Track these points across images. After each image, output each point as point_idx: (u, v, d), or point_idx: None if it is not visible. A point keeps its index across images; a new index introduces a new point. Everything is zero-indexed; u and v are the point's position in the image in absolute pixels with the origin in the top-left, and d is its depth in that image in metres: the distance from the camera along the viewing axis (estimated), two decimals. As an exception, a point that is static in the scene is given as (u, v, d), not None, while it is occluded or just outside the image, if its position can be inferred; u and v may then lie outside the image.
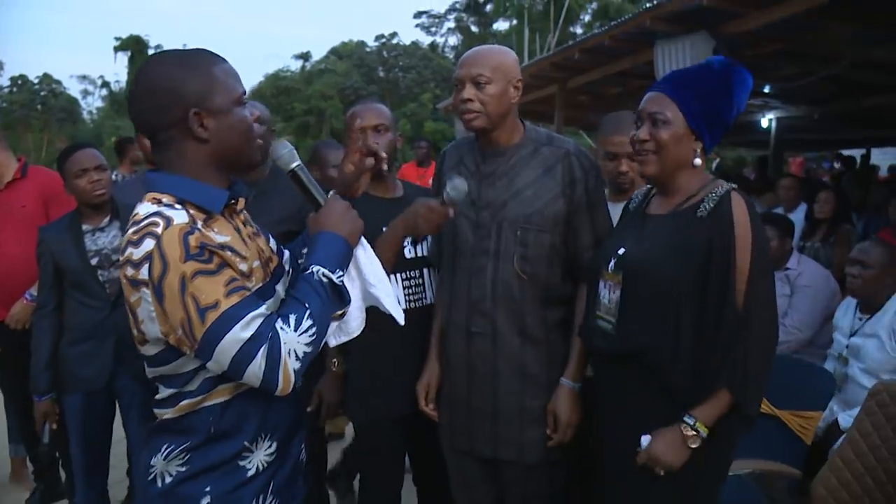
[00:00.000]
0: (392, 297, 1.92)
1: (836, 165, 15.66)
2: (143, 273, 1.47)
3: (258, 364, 1.47)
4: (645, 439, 2.06)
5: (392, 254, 2.29)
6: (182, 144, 1.61)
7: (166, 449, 1.63)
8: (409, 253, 2.67)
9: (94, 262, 3.17)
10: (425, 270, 2.70)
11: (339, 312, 1.70)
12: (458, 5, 51.54)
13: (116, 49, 46.07)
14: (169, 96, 1.56)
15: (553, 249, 2.36)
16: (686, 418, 2.01)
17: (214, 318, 1.46)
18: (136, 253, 1.48)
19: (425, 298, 2.68)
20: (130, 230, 1.52)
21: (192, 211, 1.57)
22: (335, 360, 2.73)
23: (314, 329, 1.55)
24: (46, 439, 3.55)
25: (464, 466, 2.54)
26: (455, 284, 2.44)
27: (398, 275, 2.63)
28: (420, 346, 2.62)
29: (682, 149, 2.11)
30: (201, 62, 1.62)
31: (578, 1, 40.00)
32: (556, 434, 2.35)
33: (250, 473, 1.66)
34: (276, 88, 44.26)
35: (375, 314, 2.60)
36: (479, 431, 2.42)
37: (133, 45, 45.40)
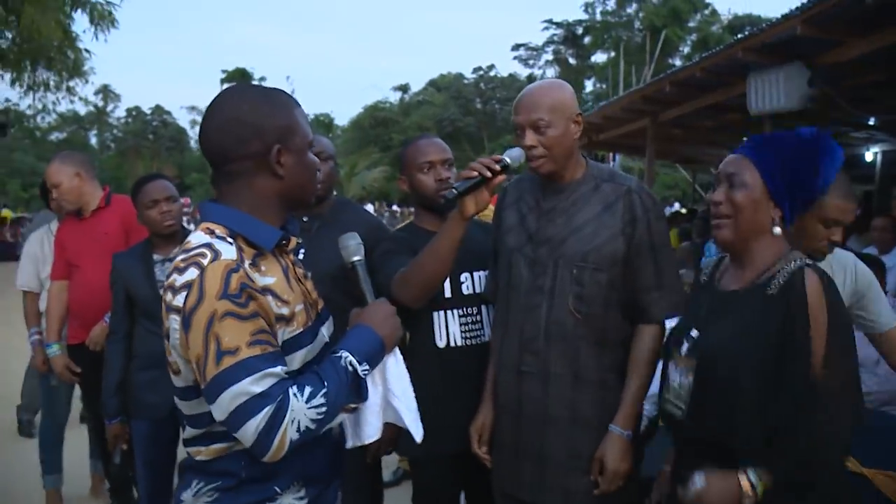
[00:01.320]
0: (413, 413, 1.86)
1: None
2: (179, 300, 1.46)
3: (257, 422, 1.43)
4: (699, 478, 1.89)
5: (453, 237, 2.24)
6: (254, 178, 1.60)
7: (196, 485, 1.61)
8: (466, 289, 2.63)
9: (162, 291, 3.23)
10: (483, 307, 2.66)
11: (352, 406, 1.62)
12: (555, 38, 51.73)
13: (223, 81, 48.29)
14: (253, 129, 1.56)
15: (610, 289, 2.26)
16: (750, 472, 1.85)
17: (230, 364, 1.43)
18: (179, 280, 1.48)
19: (483, 336, 2.61)
20: (179, 257, 1.52)
21: (242, 246, 1.56)
22: None
23: (324, 409, 1.50)
24: (118, 459, 3.65)
25: (511, 511, 2.44)
26: (508, 322, 2.38)
27: (455, 311, 2.59)
28: (475, 383, 2.54)
29: (759, 215, 1.96)
30: (284, 101, 1.63)
31: (677, 33, 39.56)
32: (602, 482, 2.23)
33: None
34: (375, 119, 45.35)
35: (424, 347, 2.59)
36: (526, 476, 2.33)
37: (238, 78, 47.50)
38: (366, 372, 1.62)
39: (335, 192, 3.08)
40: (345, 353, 1.59)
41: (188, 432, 1.64)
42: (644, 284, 2.27)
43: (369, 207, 25.17)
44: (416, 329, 2.60)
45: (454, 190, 2.13)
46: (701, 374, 1.97)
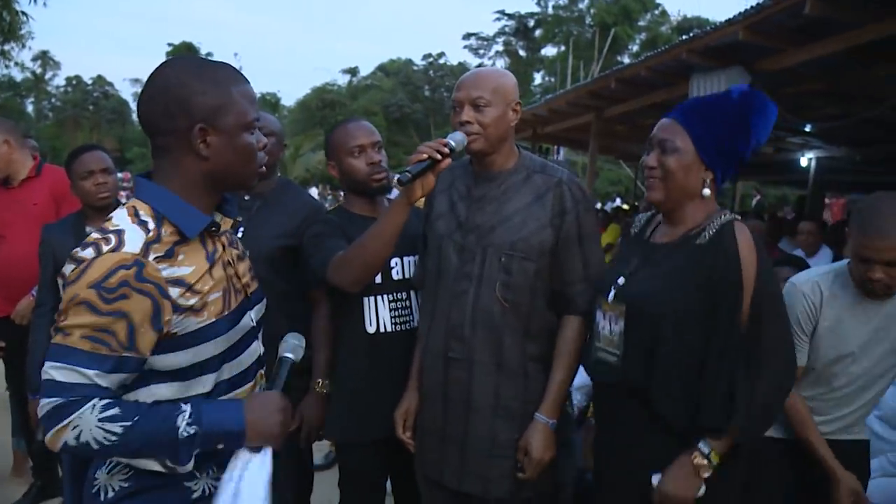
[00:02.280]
0: None
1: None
2: (67, 269, 1.47)
3: (44, 404, 1.42)
4: (655, 478, 1.97)
5: (397, 219, 2.22)
6: (179, 155, 1.55)
7: (110, 462, 1.57)
8: (396, 274, 2.62)
9: None
10: (412, 293, 2.65)
11: (168, 463, 1.48)
12: (507, 29, 51.89)
13: (168, 54, 47.22)
14: (180, 103, 1.51)
15: (537, 279, 2.27)
16: (702, 445, 1.93)
17: (55, 342, 1.44)
18: (78, 252, 1.47)
19: (412, 321, 2.62)
20: (94, 234, 1.49)
21: (165, 229, 1.51)
22: (319, 380, 2.67)
23: (115, 439, 1.42)
24: (41, 436, 3.55)
25: (435, 497, 2.45)
26: (436, 308, 2.37)
27: (385, 296, 2.58)
28: (404, 369, 2.54)
29: (690, 178, 2.03)
30: (221, 78, 1.56)
31: (627, 31, 40.02)
32: (527, 470, 2.26)
33: (196, 495, 1.60)
34: (322, 101, 44.85)
35: (353, 333, 2.58)
36: (449, 461, 2.34)
37: (184, 52, 46.44)
38: (186, 434, 1.47)
39: (278, 173, 3.04)
40: (185, 407, 1.49)
41: None
42: (571, 276, 2.29)
43: (313, 191, 24.88)
44: (346, 315, 2.59)
45: (408, 173, 2.10)
46: (631, 319, 2.03)
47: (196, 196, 1.58)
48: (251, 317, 1.70)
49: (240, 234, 2.70)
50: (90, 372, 1.42)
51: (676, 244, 2.06)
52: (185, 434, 1.48)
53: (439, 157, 2.12)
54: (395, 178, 2.17)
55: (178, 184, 1.56)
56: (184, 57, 1.63)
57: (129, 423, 1.43)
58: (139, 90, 1.87)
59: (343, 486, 2.71)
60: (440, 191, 2.43)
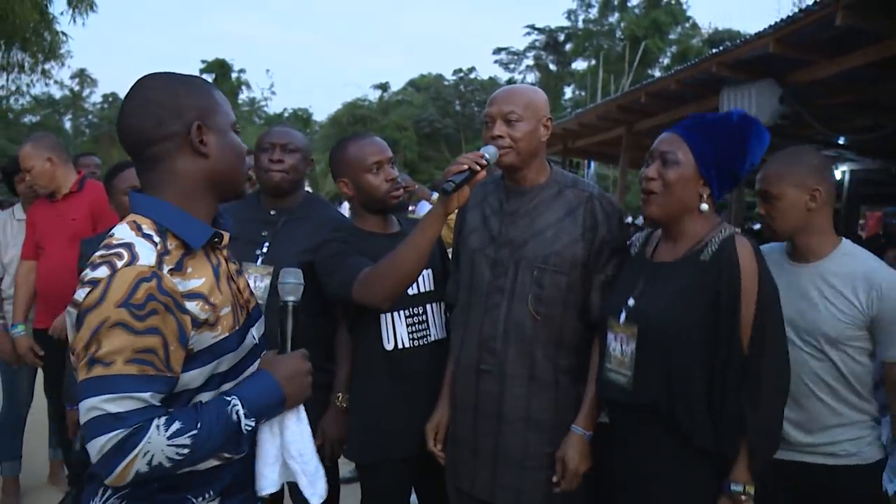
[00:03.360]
0: (310, 476, 1.72)
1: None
2: (80, 295, 1.39)
3: (103, 443, 1.34)
4: None
5: (432, 233, 2.24)
6: (175, 162, 1.53)
7: (103, 494, 1.50)
8: (411, 290, 2.57)
9: None
10: (428, 307, 2.63)
11: (227, 456, 1.53)
12: (537, 43, 51.84)
13: (202, 71, 47.77)
14: (170, 109, 1.50)
15: (569, 292, 2.31)
16: (734, 487, 1.97)
17: (97, 374, 1.36)
18: (89, 275, 1.39)
19: (429, 335, 2.61)
20: (98, 253, 1.43)
21: (170, 243, 1.47)
22: (339, 394, 2.67)
23: (186, 451, 1.41)
24: (79, 446, 3.63)
25: (466, 508, 2.48)
26: (468, 322, 2.41)
27: (401, 312, 2.56)
28: (423, 384, 2.55)
29: (688, 191, 2.07)
30: (200, 83, 1.59)
31: (657, 44, 39.86)
32: (562, 482, 2.27)
33: None
34: (353, 116, 45.10)
35: (371, 351, 2.56)
36: (481, 473, 2.36)
37: (217, 69, 47.13)
38: (249, 427, 1.52)
39: (309, 189, 3.07)
40: (235, 401, 1.50)
41: None
42: (601, 287, 2.32)
43: (345, 206, 24.97)
44: (362, 333, 2.58)
45: (451, 182, 2.13)
46: (642, 340, 2.05)
47: (195, 204, 1.56)
48: (253, 334, 1.67)
49: (265, 249, 2.74)
50: (145, 395, 1.37)
51: (680, 262, 2.09)
52: (248, 428, 1.51)
53: (478, 168, 2.15)
54: (440, 188, 2.19)
55: (176, 193, 1.53)
56: (157, 72, 1.61)
57: (195, 433, 1.41)
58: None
59: (366, 502, 2.70)
60: (472, 206, 2.47)
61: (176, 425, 1.39)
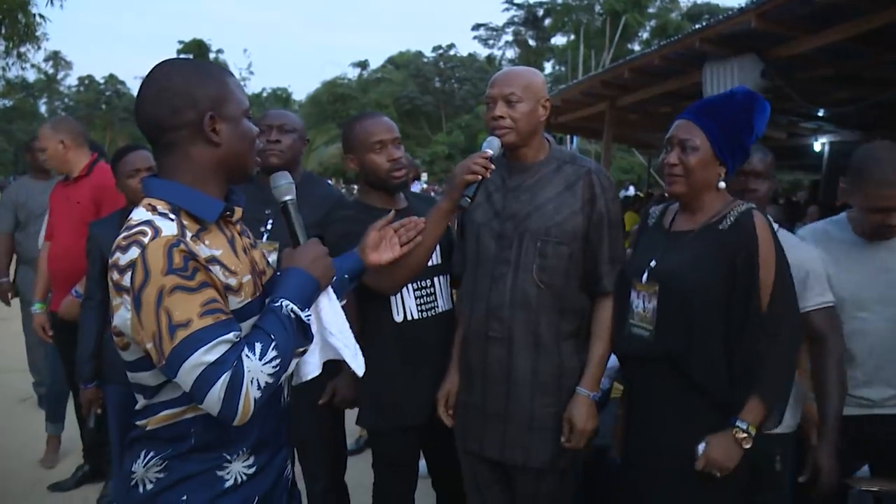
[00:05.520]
0: (352, 349, 1.90)
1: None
2: (126, 280, 1.45)
3: (218, 390, 1.43)
4: (701, 446, 2.16)
5: (442, 227, 2.36)
6: (190, 148, 1.60)
7: (146, 455, 1.60)
8: None
9: None
10: (436, 279, 2.71)
11: (301, 349, 1.67)
12: (516, 19, 51.78)
13: (179, 52, 47.37)
14: (185, 98, 1.56)
15: (571, 262, 2.44)
16: (738, 423, 2.13)
17: (183, 337, 1.43)
18: (123, 259, 1.46)
19: (437, 307, 2.70)
20: (121, 235, 1.50)
21: (185, 220, 1.54)
22: None
23: (278, 360, 1.52)
24: (92, 423, 3.73)
25: (476, 469, 2.60)
26: (476, 292, 2.53)
27: (410, 284, 2.63)
28: (433, 354, 2.64)
29: (708, 173, 2.24)
30: (215, 71, 1.65)
31: (637, 18, 39.85)
32: (570, 441, 2.41)
33: (228, 484, 1.64)
34: (333, 95, 44.89)
35: (381, 322, 2.65)
36: (490, 435, 2.49)
37: (195, 49, 46.70)
38: (308, 316, 1.65)
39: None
40: (284, 301, 1.61)
41: (140, 403, 1.63)
42: (602, 257, 2.46)
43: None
44: (372, 306, 2.64)
45: (468, 198, 2.25)
46: (664, 297, 2.21)
47: (208, 185, 1.62)
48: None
49: (269, 226, 2.84)
50: (231, 335, 1.47)
51: (700, 231, 2.25)
52: (308, 317, 1.65)
53: (488, 173, 2.27)
54: (459, 204, 2.27)
55: (189, 177, 1.60)
56: (174, 59, 1.69)
57: (274, 343, 1.52)
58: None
59: (377, 467, 2.81)
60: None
61: (258, 346, 1.50)
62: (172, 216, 1.53)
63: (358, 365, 1.90)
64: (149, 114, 1.58)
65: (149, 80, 1.60)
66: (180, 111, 1.57)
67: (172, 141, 1.59)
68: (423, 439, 2.75)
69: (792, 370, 2.21)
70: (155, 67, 1.63)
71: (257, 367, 1.48)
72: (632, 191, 24.36)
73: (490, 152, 2.31)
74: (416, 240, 2.22)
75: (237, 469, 1.65)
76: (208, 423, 1.58)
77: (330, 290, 1.84)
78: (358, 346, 1.90)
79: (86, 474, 4.31)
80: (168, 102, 1.56)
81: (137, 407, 1.64)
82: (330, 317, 1.84)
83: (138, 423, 1.63)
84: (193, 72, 1.61)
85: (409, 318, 2.64)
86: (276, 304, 1.60)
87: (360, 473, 3.41)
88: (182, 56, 41.13)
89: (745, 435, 2.11)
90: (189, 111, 1.57)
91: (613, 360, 2.53)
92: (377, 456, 2.80)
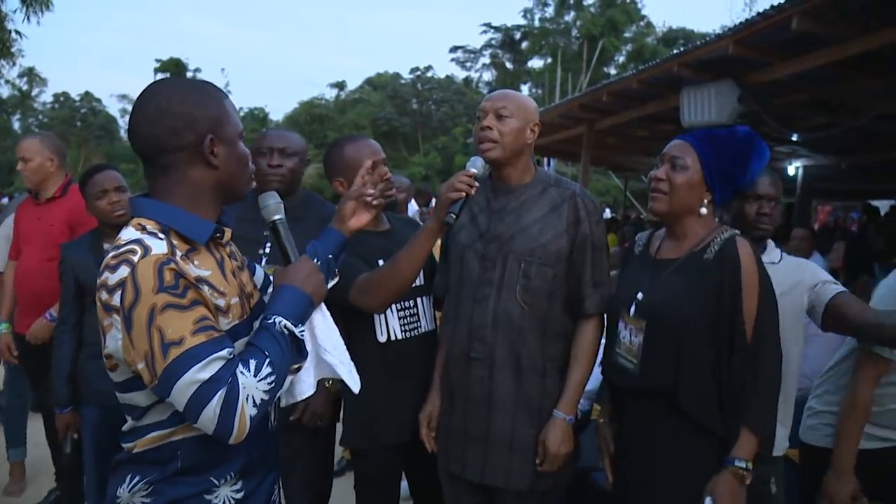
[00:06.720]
0: (347, 366, 1.89)
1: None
2: (116, 300, 1.44)
3: (213, 408, 1.42)
4: (707, 500, 2.12)
5: (430, 245, 2.38)
6: (186, 169, 1.59)
7: (132, 480, 1.59)
8: None
9: None
10: (419, 300, 2.73)
11: (296, 366, 1.66)
12: (493, 42, 52.14)
13: (156, 70, 47.11)
14: (185, 119, 1.56)
15: (555, 283, 2.45)
16: (737, 462, 2.11)
17: (176, 355, 1.41)
18: (112, 278, 1.45)
19: (420, 327, 2.72)
20: (110, 254, 1.49)
21: (174, 241, 1.54)
22: (330, 379, 2.68)
23: (273, 377, 1.52)
24: (68, 448, 3.65)
25: (458, 491, 2.59)
26: (459, 313, 2.53)
27: (394, 305, 2.65)
28: (415, 374, 2.66)
29: (692, 195, 2.26)
30: (213, 93, 1.64)
31: (613, 43, 40.29)
32: (545, 463, 2.40)
33: None
34: (311, 116, 44.83)
35: (365, 343, 2.63)
36: (471, 457, 2.49)
37: (172, 68, 46.47)
38: (301, 332, 1.64)
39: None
40: (277, 318, 1.60)
41: (128, 424, 1.62)
42: (583, 280, 2.46)
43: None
44: (356, 325, 2.63)
45: (453, 215, 2.27)
46: (650, 333, 2.21)
47: (200, 208, 1.62)
48: (255, 328, 1.72)
49: (267, 249, 2.82)
50: (224, 352, 1.47)
51: (684, 259, 2.25)
52: (301, 333, 1.64)
53: (472, 191, 2.29)
54: (444, 221, 2.29)
55: (184, 197, 1.60)
56: (172, 78, 1.69)
57: (269, 359, 1.52)
58: (127, 106, 1.85)
59: (358, 488, 2.80)
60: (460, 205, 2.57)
61: (253, 363, 1.50)
62: (162, 235, 1.52)
63: (354, 382, 1.90)
64: (147, 134, 1.57)
65: (146, 100, 1.58)
66: (180, 133, 1.56)
67: (170, 162, 1.58)
68: (405, 459, 2.74)
69: (776, 396, 2.21)
70: (152, 87, 1.62)
71: (252, 384, 1.47)
72: (608, 213, 24.52)
73: (474, 171, 2.32)
74: (388, 194, 2.26)
75: (225, 493, 1.63)
76: (195, 446, 1.57)
77: (323, 306, 1.84)
78: (353, 363, 1.90)
79: (59, 498, 4.22)
80: (168, 123, 1.56)
81: (125, 429, 1.62)
82: (324, 333, 1.84)
83: (125, 445, 1.61)
84: (193, 93, 1.60)
85: (393, 337, 2.65)
86: (270, 321, 1.60)
87: (342, 495, 3.37)
88: (161, 75, 41.09)
89: (744, 472, 2.10)
90: (189, 133, 1.57)
91: (593, 383, 2.53)
92: (359, 476, 2.80)
